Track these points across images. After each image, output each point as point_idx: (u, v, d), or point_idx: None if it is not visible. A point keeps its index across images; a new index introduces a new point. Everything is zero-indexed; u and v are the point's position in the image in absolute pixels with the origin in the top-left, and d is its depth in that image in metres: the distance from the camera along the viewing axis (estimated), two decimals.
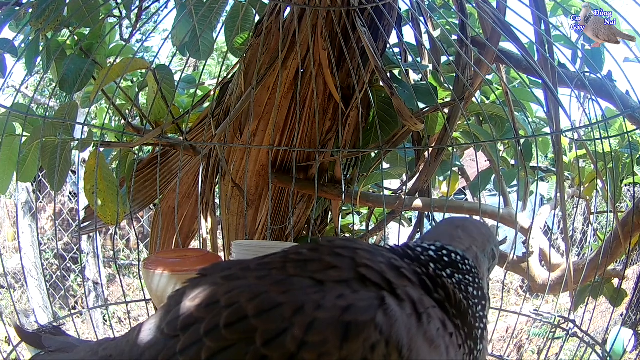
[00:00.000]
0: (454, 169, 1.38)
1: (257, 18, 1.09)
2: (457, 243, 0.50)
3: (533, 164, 1.41)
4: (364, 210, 1.50)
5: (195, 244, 1.33)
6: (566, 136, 1.30)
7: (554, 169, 1.50)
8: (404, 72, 1.13)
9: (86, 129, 0.99)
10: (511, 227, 1.22)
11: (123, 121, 1.21)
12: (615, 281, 1.21)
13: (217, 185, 1.20)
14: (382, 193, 1.19)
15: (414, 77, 1.21)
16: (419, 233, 1.28)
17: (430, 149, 1.11)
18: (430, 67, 1.16)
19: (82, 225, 1.27)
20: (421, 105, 1.06)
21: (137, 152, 1.18)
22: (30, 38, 0.99)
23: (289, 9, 1.03)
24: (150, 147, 1.34)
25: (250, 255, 0.82)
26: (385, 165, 1.24)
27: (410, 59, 1.17)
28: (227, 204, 1.16)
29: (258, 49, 1.03)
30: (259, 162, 1.14)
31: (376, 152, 1.14)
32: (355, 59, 1.05)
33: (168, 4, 1.02)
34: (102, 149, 0.97)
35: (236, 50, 1.12)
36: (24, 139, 0.94)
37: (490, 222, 1.37)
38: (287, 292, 0.40)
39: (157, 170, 1.07)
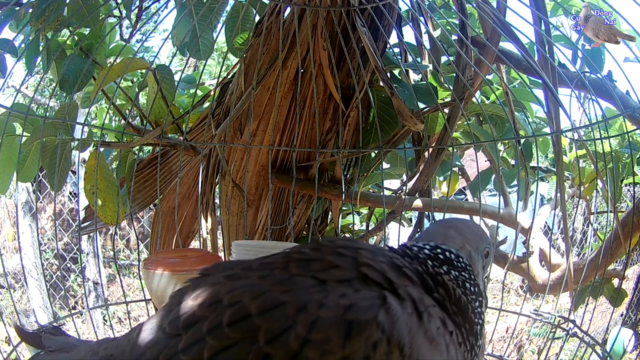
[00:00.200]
0: (454, 169, 1.38)
1: (257, 18, 1.09)
2: (450, 243, 0.51)
3: (533, 164, 1.41)
4: (364, 210, 1.50)
5: (195, 244, 1.33)
6: (566, 136, 1.30)
7: (554, 169, 1.50)
8: (404, 72, 1.13)
9: (86, 129, 0.99)
10: (511, 227, 1.22)
11: (123, 121, 1.21)
12: (615, 281, 1.21)
13: (217, 185, 1.20)
14: (382, 193, 1.19)
15: (414, 77, 1.21)
16: (419, 233, 1.28)
17: (430, 149, 1.11)
18: (430, 67, 1.16)
19: (82, 225, 1.27)
20: (421, 105, 1.06)
21: (137, 152, 1.18)
22: (30, 38, 0.99)
23: (289, 9, 1.03)
24: (150, 147, 1.34)
25: (250, 255, 0.83)
26: (385, 165, 1.24)
27: (410, 59, 1.17)
28: (227, 204, 1.16)
29: (258, 49, 1.03)
30: (259, 162, 1.14)
31: (376, 152, 1.14)
32: (355, 59, 1.05)
33: (168, 4, 1.02)
34: (102, 149, 0.97)
35: (236, 50, 1.12)
36: (24, 139, 0.94)
37: (490, 222, 1.37)
38: (290, 291, 0.41)
39: (157, 170, 1.07)
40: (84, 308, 2.90)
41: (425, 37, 1.16)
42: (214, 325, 0.40)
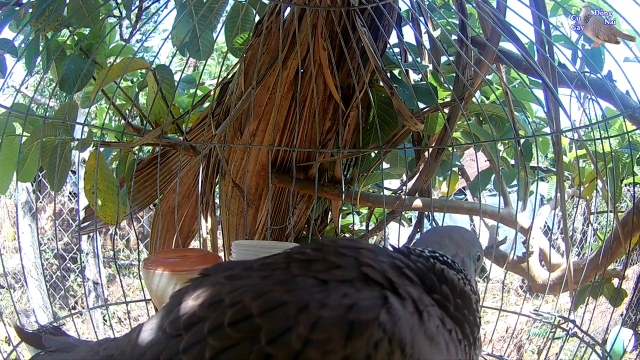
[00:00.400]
0: (454, 169, 1.38)
1: (257, 18, 1.09)
2: (445, 250, 0.52)
3: (533, 164, 1.41)
4: (364, 210, 1.50)
5: (195, 244, 1.33)
6: (566, 136, 1.30)
7: (554, 169, 1.50)
8: (404, 72, 1.13)
9: (86, 129, 0.99)
10: (511, 227, 1.22)
11: (123, 121, 1.21)
12: (615, 281, 1.21)
13: (217, 185, 1.20)
14: (382, 193, 1.19)
15: (414, 77, 1.21)
16: (419, 233, 1.28)
17: (430, 149, 1.11)
18: (430, 67, 1.16)
19: (82, 225, 1.27)
20: (421, 105, 1.06)
21: (137, 152, 1.18)
22: (30, 38, 0.99)
23: (289, 9, 1.03)
24: (150, 147, 1.34)
25: (250, 255, 0.83)
26: (385, 165, 1.24)
27: (410, 59, 1.17)
28: (227, 204, 1.16)
29: (258, 49, 1.03)
30: (259, 162, 1.14)
31: (376, 152, 1.14)
32: (355, 59, 1.05)
33: (168, 4, 1.02)
34: (102, 149, 0.97)
35: (236, 50, 1.12)
36: (24, 139, 0.94)
37: (490, 222, 1.37)
38: (292, 291, 0.41)
39: (157, 170, 1.07)
40: (84, 308, 2.90)
41: (425, 37, 1.16)
42: (215, 325, 0.40)
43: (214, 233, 1.18)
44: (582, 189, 1.36)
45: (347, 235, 1.40)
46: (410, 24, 1.11)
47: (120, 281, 1.11)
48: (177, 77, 1.14)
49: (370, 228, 1.36)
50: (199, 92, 1.24)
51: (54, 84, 1.06)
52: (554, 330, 0.92)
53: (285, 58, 1.05)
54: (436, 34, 1.14)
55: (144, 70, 1.06)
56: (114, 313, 2.77)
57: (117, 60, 1.01)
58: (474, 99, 1.10)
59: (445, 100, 1.14)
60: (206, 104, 1.20)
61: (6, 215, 3.38)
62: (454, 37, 1.17)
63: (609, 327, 2.45)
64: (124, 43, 1.13)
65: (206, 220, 1.14)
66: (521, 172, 1.26)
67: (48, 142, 0.94)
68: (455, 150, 1.28)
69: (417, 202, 1.15)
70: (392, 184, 1.74)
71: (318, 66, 1.05)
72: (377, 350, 0.38)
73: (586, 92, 1.02)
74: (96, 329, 1.35)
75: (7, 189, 1.00)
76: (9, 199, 3.24)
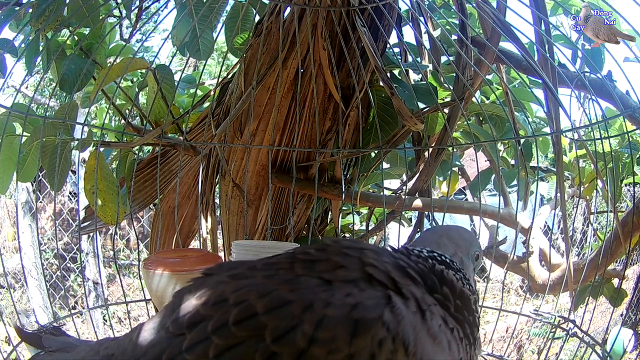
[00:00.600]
0: (454, 169, 1.38)
1: (257, 18, 1.09)
2: (443, 250, 0.53)
3: (533, 164, 1.41)
4: (364, 210, 1.50)
5: (195, 244, 1.33)
6: (566, 136, 1.30)
7: (554, 169, 1.50)
8: (404, 72, 1.13)
9: (86, 129, 0.99)
10: (511, 227, 1.22)
11: (123, 121, 1.21)
12: (615, 281, 1.21)
13: (217, 185, 1.20)
14: (382, 193, 1.19)
15: (414, 77, 1.21)
16: (419, 233, 1.28)
17: (430, 149, 1.11)
18: (430, 67, 1.16)
19: (82, 225, 1.27)
20: (421, 105, 1.06)
21: (137, 152, 1.18)
22: (30, 38, 0.99)
23: (289, 9, 1.03)
24: (150, 147, 1.34)
25: (250, 255, 0.83)
26: (385, 165, 1.24)
27: (410, 59, 1.17)
28: (227, 204, 1.16)
29: (258, 49, 1.03)
30: (259, 162, 1.14)
31: (376, 152, 1.14)
32: (355, 59, 1.05)
33: (168, 4, 1.02)
34: (102, 149, 0.97)
35: (236, 50, 1.12)
36: (24, 139, 0.94)
37: (490, 222, 1.37)
38: (296, 291, 0.41)
39: (157, 170, 1.07)
40: (84, 308, 2.90)
41: (425, 37, 1.16)
42: (219, 324, 0.40)
43: (214, 233, 1.18)
44: (582, 189, 1.36)
45: (347, 235, 1.40)
46: (410, 24, 1.11)
47: (120, 281, 1.11)
48: (177, 77, 1.14)
49: (370, 228, 1.36)
50: (199, 92, 1.24)
51: (54, 84, 1.07)
52: (554, 330, 0.92)
53: (285, 58, 1.05)
54: (436, 34, 1.14)
55: (144, 70, 1.06)
56: (114, 313, 2.77)
57: (117, 60, 1.01)
58: (474, 99, 1.10)
59: (445, 100, 1.14)
60: (206, 104, 1.20)
61: (6, 215, 3.38)
62: (454, 37, 1.17)
63: (609, 327, 2.45)
64: (124, 43, 1.13)
65: (206, 220, 1.14)
66: (521, 172, 1.27)
67: (48, 142, 0.94)
68: (455, 150, 1.28)
69: (417, 202, 1.15)
70: (392, 184, 1.74)
71: (318, 66, 1.05)
72: (381, 349, 0.38)
73: (586, 92, 1.02)
74: (96, 329, 1.35)
75: (7, 189, 1.00)
76: (9, 199, 3.24)
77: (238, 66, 1.09)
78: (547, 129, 1.50)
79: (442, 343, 0.42)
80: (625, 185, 1.63)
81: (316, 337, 0.38)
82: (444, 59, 1.21)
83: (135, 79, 1.38)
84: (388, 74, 1.09)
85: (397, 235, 1.09)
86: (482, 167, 1.32)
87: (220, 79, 1.14)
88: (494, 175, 1.34)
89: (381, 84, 1.00)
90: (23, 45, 1.02)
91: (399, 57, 1.18)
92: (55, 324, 0.79)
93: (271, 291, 0.41)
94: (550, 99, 0.93)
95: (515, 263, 1.25)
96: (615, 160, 1.20)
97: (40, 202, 3.37)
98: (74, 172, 2.37)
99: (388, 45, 1.10)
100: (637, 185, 1.17)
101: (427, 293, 0.45)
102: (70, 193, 3.44)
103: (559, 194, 1.04)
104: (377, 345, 0.38)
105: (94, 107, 2.00)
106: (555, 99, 0.91)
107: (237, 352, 0.39)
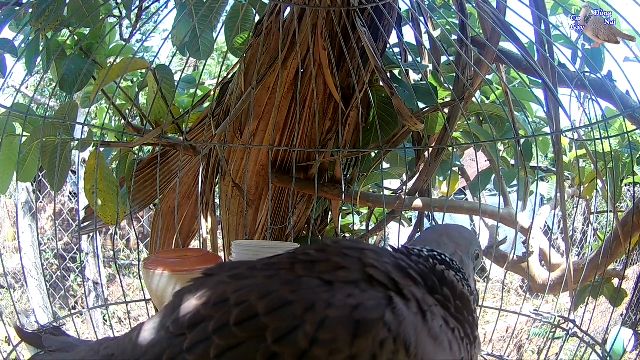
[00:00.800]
0: (454, 169, 1.38)
1: (257, 18, 1.09)
2: (444, 249, 0.53)
3: (533, 164, 1.41)
4: (364, 210, 1.50)
5: (195, 244, 1.33)
6: (566, 136, 1.30)
7: (554, 169, 1.50)
8: (404, 72, 1.13)
9: (86, 129, 0.99)
10: (511, 227, 1.22)
11: (123, 121, 1.21)
12: (615, 281, 1.21)
13: (217, 185, 1.20)
14: (382, 193, 1.19)
15: (414, 77, 1.21)
16: (419, 233, 1.28)
17: (430, 149, 1.11)
18: (430, 67, 1.16)
19: (82, 225, 1.27)
20: (421, 105, 1.06)
21: (137, 152, 1.18)
22: (30, 38, 0.99)
23: (289, 9, 1.03)
24: (150, 147, 1.34)
25: (250, 255, 0.83)
26: (385, 165, 1.24)
27: (410, 59, 1.17)
28: (227, 204, 1.16)
29: (258, 49, 1.03)
30: (259, 162, 1.14)
31: (376, 152, 1.14)
32: (355, 59, 1.05)
33: (168, 4, 1.02)
34: (102, 149, 0.97)
35: (236, 50, 1.12)
36: (24, 139, 0.94)
37: (490, 222, 1.37)
38: (298, 291, 0.41)
39: (157, 170, 1.07)
40: (84, 308, 2.90)
41: (425, 37, 1.16)
42: (220, 324, 0.40)
43: (214, 233, 1.18)
44: (582, 189, 1.36)
45: (347, 235, 1.40)
46: (410, 24, 1.11)
47: (121, 281, 1.11)
48: (177, 77, 1.14)
49: (370, 228, 1.36)
50: (199, 92, 1.24)
51: (54, 84, 1.07)
52: (554, 330, 0.92)
53: (285, 58, 1.05)
54: (436, 34, 1.14)
55: (144, 70, 1.06)
56: (114, 313, 2.77)
57: (117, 60, 1.01)
58: (474, 99, 1.10)
59: (445, 100, 1.14)
60: (206, 104, 1.20)
61: (6, 215, 3.38)
62: (454, 37, 1.17)
63: (609, 327, 2.45)
64: (124, 43, 1.13)
65: (206, 220, 1.14)
66: (521, 172, 1.26)
67: (48, 142, 0.94)
68: (455, 150, 1.28)
69: (417, 202, 1.15)
70: (392, 184, 1.74)
71: (318, 66, 1.05)
72: (382, 350, 0.38)
73: (586, 92, 1.02)
74: (96, 329, 1.35)
75: (7, 189, 1.00)
76: (9, 199, 3.24)
77: (238, 66, 1.09)
78: (547, 129, 1.50)
79: (443, 344, 0.42)
80: (625, 185, 1.63)
81: (317, 338, 0.38)
82: (444, 59, 1.21)
83: (135, 79, 1.38)
84: (388, 74, 1.09)
85: (397, 235, 1.09)
86: (482, 167, 1.32)
87: (220, 79, 1.14)
88: (494, 175, 1.34)
89: (381, 84, 1.00)
90: (23, 45, 1.02)
91: (399, 57, 1.18)
92: (55, 324, 0.79)
93: (272, 292, 0.41)
94: (550, 99, 0.93)
95: (515, 263, 1.25)
96: (615, 160, 1.20)
97: (40, 202, 3.37)
98: (74, 172, 2.37)
99: (388, 45, 1.10)
100: (637, 185, 1.17)
101: (428, 294, 0.45)
102: (70, 193, 3.44)
103: (559, 194, 1.04)
104: (378, 346, 0.38)
105: (94, 107, 2.00)
106: (555, 99, 0.91)
107: (238, 353, 0.39)
